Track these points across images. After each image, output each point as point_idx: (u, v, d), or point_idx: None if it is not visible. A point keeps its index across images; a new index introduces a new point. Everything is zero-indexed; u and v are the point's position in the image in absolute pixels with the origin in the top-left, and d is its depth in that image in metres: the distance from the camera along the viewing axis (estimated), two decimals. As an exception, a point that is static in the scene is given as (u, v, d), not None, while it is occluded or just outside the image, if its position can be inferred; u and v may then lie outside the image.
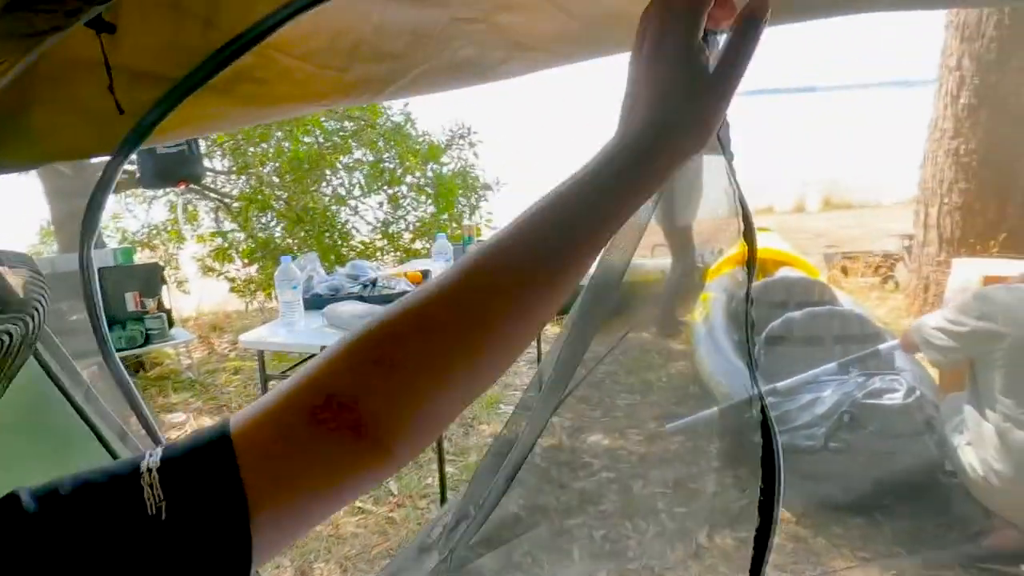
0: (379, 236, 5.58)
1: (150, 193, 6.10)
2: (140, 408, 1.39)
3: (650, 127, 0.47)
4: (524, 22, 1.11)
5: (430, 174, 5.50)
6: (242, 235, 5.62)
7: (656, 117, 0.47)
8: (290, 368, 3.00)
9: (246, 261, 5.50)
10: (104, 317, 1.45)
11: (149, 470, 0.38)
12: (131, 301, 4.27)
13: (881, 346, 2.66)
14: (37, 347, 1.20)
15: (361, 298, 2.71)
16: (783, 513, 1.61)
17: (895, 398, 2.23)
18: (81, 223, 1.18)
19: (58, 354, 1.26)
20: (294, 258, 2.63)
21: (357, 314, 2.42)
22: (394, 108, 5.64)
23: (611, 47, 1.14)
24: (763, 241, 4.85)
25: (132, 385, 1.39)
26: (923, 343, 2.11)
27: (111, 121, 1.02)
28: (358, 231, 5.63)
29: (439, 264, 2.93)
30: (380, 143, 5.36)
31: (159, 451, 0.39)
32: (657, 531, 1.42)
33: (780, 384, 2.63)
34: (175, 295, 5.51)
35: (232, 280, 5.70)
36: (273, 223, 5.41)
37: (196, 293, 5.99)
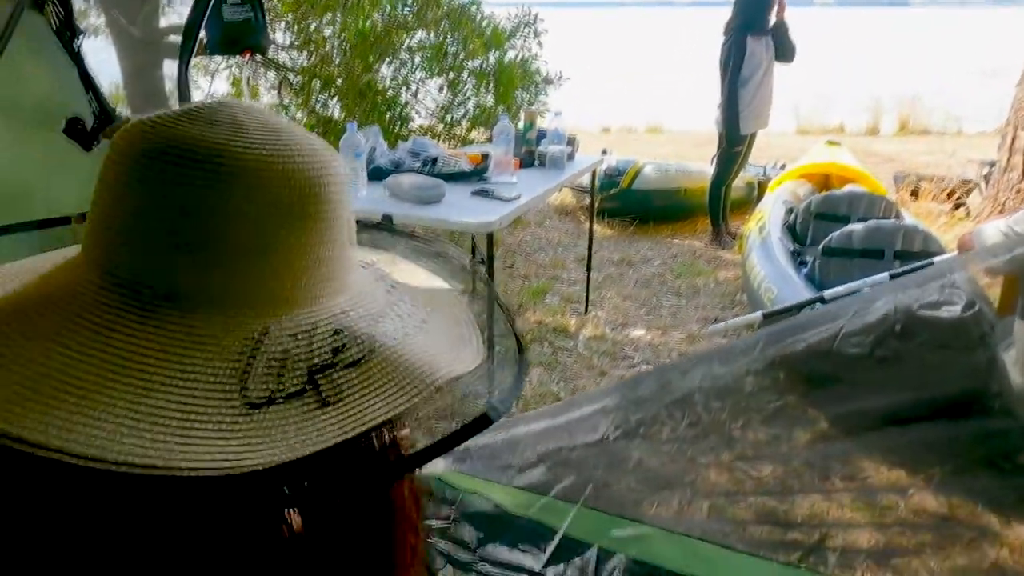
0: (437, 121, 5.53)
1: (212, 66, 6.12)
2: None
3: None
4: None
5: (492, 60, 5.35)
6: (302, 113, 5.63)
7: None
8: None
9: (306, 137, 5.55)
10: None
11: None
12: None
13: (937, 258, 2.59)
14: None
15: (422, 173, 2.74)
16: (816, 414, 1.68)
17: (953, 311, 2.14)
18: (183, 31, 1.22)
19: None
20: (359, 128, 2.64)
21: (418, 185, 2.45)
22: (460, -11, 5.46)
23: None
24: (832, 156, 4.66)
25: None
26: (980, 245, 2.05)
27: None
28: (417, 114, 5.58)
29: (500, 148, 2.91)
30: (445, 24, 5.21)
31: None
32: (691, 420, 1.47)
33: (827, 292, 2.61)
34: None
35: (292, 156, 5.78)
36: (334, 100, 5.39)
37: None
